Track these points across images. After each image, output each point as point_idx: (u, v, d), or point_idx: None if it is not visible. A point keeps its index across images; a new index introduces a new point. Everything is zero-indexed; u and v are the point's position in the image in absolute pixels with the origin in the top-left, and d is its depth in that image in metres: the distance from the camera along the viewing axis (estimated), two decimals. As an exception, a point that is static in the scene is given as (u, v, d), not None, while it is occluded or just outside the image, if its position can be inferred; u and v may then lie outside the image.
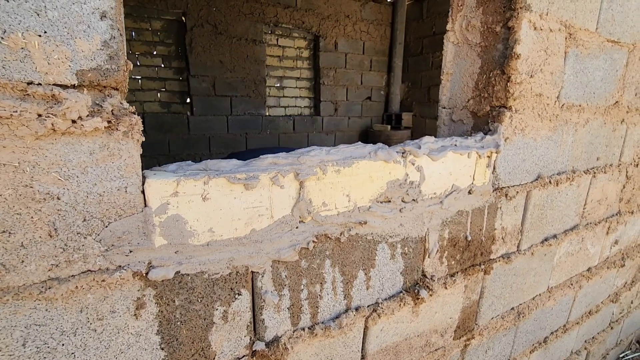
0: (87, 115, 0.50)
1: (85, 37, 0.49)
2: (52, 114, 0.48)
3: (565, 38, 1.14)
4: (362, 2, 5.66)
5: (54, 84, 0.48)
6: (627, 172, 1.69)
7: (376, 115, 6.40)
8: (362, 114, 6.24)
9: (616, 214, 1.76)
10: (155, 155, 4.63)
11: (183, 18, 4.49)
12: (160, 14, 4.45)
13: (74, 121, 0.50)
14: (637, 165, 1.74)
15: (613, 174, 1.61)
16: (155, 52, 4.60)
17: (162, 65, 4.67)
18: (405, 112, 6.11)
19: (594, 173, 1.50)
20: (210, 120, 4.92)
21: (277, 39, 5.34)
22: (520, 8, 0.99)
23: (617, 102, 1.45)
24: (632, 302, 2.37)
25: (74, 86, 0.50)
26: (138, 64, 4.54)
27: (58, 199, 0.51)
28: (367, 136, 6.17)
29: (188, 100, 4.85)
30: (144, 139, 0.58)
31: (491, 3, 1.06)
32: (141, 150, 0.58)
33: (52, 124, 0.48)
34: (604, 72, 1.34)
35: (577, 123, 1.32)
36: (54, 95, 0.48)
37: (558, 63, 1.15)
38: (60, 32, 0.47)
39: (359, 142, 0.83)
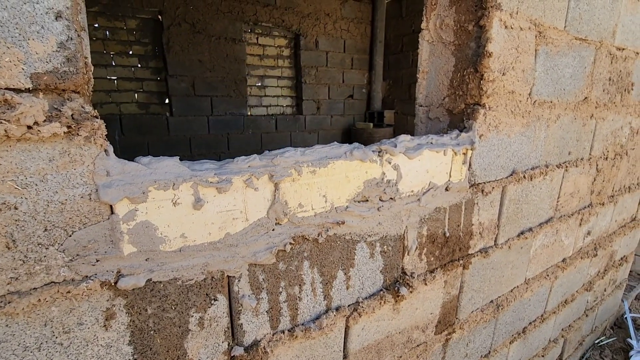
0: (44, 120, 0.48)
1: (39, 39, 0.46)
2: (4, 119, 0.45)
3: (535, 36, 1.17)
4: (342, 0, 5.67)
5: (6, 88, 0.46)
6: (597, 165, 1.75)
7: (358, 113, 6.42)
8: (344, 112, 6.25)
9: (588, 206, 1.82)
10: (134, 158, 4.50)
11: (159, 17, 4.38)
12: (135, 12, 4.32)
13: (29, 127, 0.47)
14: (607, 158, 1.81)
15: (584, 167, 1.66)
16: (131, 52, 4.47)
17: (139, 65, 4.54)
18: (387, 110, 6.16)
19: (566, 167, 1.54)
20: (191, 121, 4.83)
21: (257, 38, 5.29)
22: (491, 7, 1.01)
23: (586, 98, 1.50)
24: (605, 290, 2.47)
25: (28, 90, 0.47)
26: (113, 64, 4.40)
27: (15, 208, 0.49)
28: (350, 134, 6.20)
29: (167, 100, 4.74)
30: (108, 143, 0.56)
31: (463, 2, 1.08)
32: (108, 155, 0.56)
33: (6, 130, 0.46)
34: (573, 69, 1.38)
35: (549, 119, 1.36)
36: (6, 100, 0.45)
37: (529, 61, 1.18)
38: (12, 33, 0.45)
39: (335, 142, 0.83)
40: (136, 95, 4.62)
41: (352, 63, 6.07)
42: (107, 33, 4.29)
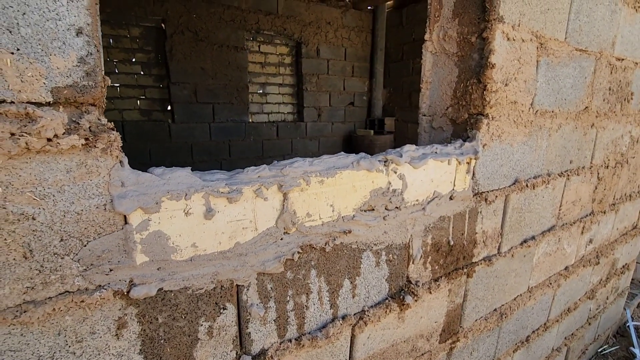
0: (64, 133, 0.49)
1: (61, 54, 0.48)
2: (26, 132, 0.47)
3: (537, 48, 1.19)
4: (343, 9, 5.73)
5: (27, 102, 0.47)
6: (598, 173, 1.76)
7: (359, 120, 6.46)
8: (345, 119, 6.29)
9: (590, 214, 1.83)
10: (136, 165, 4.49)
11: (163, 25, 4.43)
12: (139, 20, 4.37)
13: (49, 139, 0.48)
14: (608, 166, 1.82)
15: (585, 176, 1.68)
16: (134, 59, 4.51)
17: (142, 73, 4.58)
18: (388, 117, 6.20)
19: (568, 176, 1.56)
20: (193, 128, 4.85)
21: (259, 46, 5.34)
22: (494, 20, 1.03)
23: (586, 107, 1.52)
24: (607, 298, 2.47)
25: (49, 104, 0.49)
26: (116, 71, 4.44)
27: (33, 219, 0.50)
28: (351, 141, 6.22)
29: (169, 107, 4.77)
30: (124, 155, 0.57)
31: (466, 14, 1.10)
32: (123, 166, 0.57)
33: (27, 143, 0.47)
34: (574, 79, 1.40)
35: (551, 128, 1.38)
36: (27, 113, 0.46)
37: (531, 71, 1.20)
38: (34, 49, 0.46)
39: (342, 152, 0.84)
40: (138, 102, 4.65)
41: (353, 71, 6.12)
42: (111, 41, 4.34)
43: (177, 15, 4.41)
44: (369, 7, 5.89)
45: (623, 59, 1.64)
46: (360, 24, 5.95)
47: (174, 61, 4.53)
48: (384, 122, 6.08)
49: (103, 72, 0.55)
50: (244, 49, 4.99)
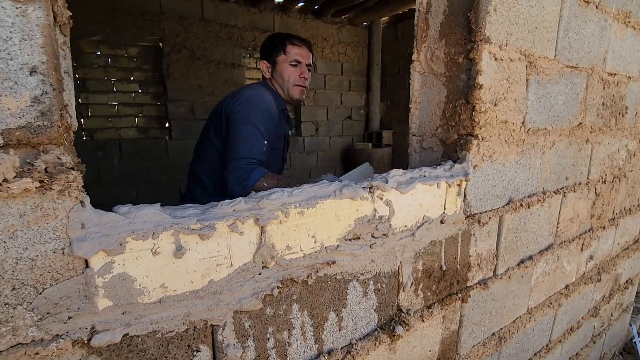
0: (15, 177, 0.47)
1: (12, 95, 0.46)
2: (-28, 178, 0.44)
3: (526, 66, 1.18)
4: (339, 25, 5.80)
5: (-26, 146, 0.44)
6: (595, 189, 1.73)
7: (357, 134, 6.46)
8: (343, 133, 6.29)
9: (589, 230, 1.79)
10: (133, 182, 4.50)
11: (160, 44, 4.48)
12: (136, 40, 4.42)
13: (-1, 184, 0.46)
14: (605, 181, 1.79)
15: (582, 192, 1.64)
16: (132, 78, 4.55)
17: (139, 91, 4.61)
18: (386, 130, 6.20)
19: (564, 192, 1.52)
20: (190, 145, 4.83)
21: (256, 62, 5.38)
22: (480, 40, 1.01)
23: (580, 123, 1.50)
24: (611, 315, 2.39)
25: (-1, 146, 0.46)
26: (114, 90, 4.47)
27: (-18, 268, 0.47)
28: (349, 155, 6.21)
29: (166, 125, 4.78)
30: (85, 194, 0.54)
31: (453, 35, 1.09)
32: (84, 206, 0.54)
33: (-27, 189, 0.44)
34: (566, 96, 1.38)
35: (544, 146, 1.35)
36: (-26, 158, 0.44)
37: (521, 90, 1.18)
38: (-18, 90, 0.44)
39: (324, 181, 0.81)
40: (136, 119, 4.66)
41: (350, 85, 6.16)
42: (109, 60, 4.38)
43: (174, 34, 4.46)
44: (364, 23, 5.96)
45: (615, 74, 1.62)
46: (356, 40, 6.01)
47: (171, 79, 4.55)
48: (382, 135, 6.08)
49: (71, 106, 0.53)
50: (241, 66, 5.02)
